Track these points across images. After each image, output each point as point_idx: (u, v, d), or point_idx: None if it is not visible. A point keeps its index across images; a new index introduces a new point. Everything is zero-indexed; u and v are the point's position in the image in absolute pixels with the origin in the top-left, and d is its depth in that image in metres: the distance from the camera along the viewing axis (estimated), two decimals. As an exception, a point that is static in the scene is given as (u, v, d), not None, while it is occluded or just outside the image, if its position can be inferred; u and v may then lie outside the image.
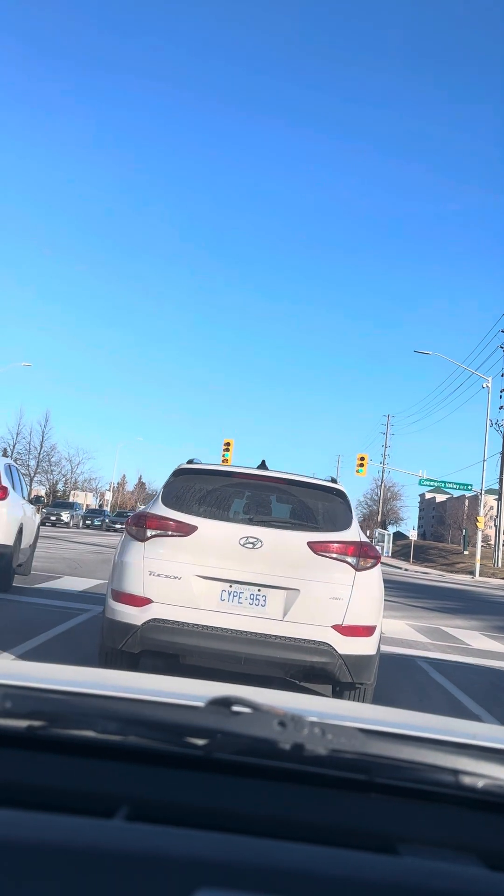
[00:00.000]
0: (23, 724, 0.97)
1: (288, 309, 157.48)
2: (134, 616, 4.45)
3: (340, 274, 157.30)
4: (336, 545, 4.62)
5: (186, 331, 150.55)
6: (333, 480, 5.39)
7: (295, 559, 4.52)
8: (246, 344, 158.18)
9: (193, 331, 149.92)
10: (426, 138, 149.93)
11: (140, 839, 0.81)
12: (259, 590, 4.49)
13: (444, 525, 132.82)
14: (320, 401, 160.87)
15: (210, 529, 4.61)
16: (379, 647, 4.69)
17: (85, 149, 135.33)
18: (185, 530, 4.60)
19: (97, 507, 54.63)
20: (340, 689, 4.78)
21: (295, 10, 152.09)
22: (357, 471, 41.22)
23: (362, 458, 41.15)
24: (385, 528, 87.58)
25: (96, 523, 45.56)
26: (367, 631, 4.50)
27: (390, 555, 71.41)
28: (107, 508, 52.42)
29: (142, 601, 4.45)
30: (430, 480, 40.95)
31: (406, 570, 41.25)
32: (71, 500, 70.69)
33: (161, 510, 4.74)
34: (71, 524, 40.63)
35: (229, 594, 4.49)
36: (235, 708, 0.96)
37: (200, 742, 0.94)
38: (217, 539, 4.58)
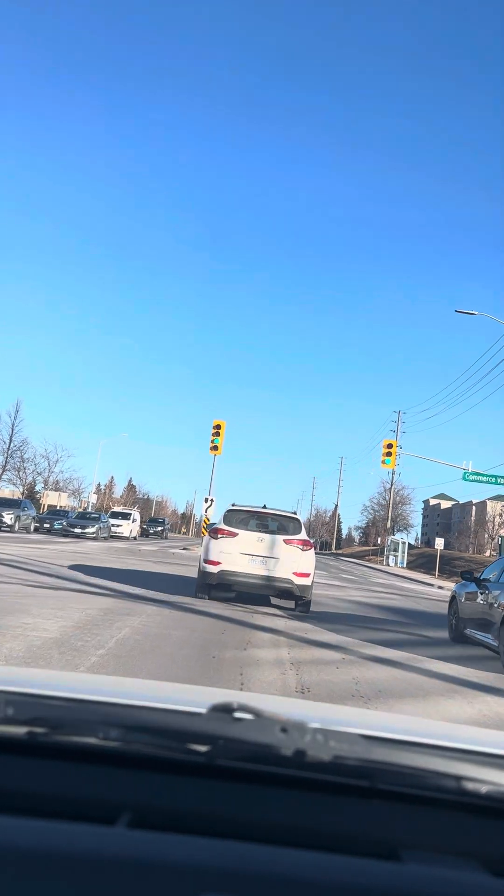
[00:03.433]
0: (25, 730, 0.97)
1: (285, 311, 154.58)
2: (213, 569, 11.27)
3: (339, 278, 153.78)
4: (294, 540, 11.45)
5: (181, 333, 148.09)
6: (294, 512, 12.37)
7: (278, 546, 11.31)
8: (244, 348, 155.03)
9: (189, 332, 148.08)
10: (426, 144, 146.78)
11: (142, 846, 0.82)
12: (264, 559, 11.25)
13: (451, 532, 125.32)
14: (321, 403, 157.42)
15: (244, 534, 11.46)
16: (312, 580, 11.57)
17: (82, 150, 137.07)
18: (234, 535, 11.40)
19: (59, 508, 45.60)
20: (296, 601, 11.59)
21: (296, 18, 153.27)
22: (383, 461, 32.39)
23: (390, 446, 32.24)
24: (398, 536, 78.41)
25: (56, 527, 36.30)
26: (307, 575, 11.28)
27: (405, 565, 62.28)
28: (73, 510, 43.98)
29: (216, 563, 11.24)
30: (478, 474, 32.67)
31: (440, 587, 32.03)
32: (43, 501, 61.76)
33: (223, 526, 11.60)
34: (17, 527, 31.55)
35: (252, 560, 11.24)
36: (237, 714, 0.96)
37: (202, 748, 0.94)
38: (246, 538, 11.40)
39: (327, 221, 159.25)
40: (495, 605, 9.31)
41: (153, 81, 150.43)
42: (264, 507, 12.13)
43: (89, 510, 47.41)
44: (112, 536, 38.84)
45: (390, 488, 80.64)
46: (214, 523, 12.28)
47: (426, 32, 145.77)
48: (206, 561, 11.38)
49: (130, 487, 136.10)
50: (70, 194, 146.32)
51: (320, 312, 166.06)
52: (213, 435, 33.51)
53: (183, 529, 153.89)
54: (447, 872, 0.85)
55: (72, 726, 0.97)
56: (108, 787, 0.96)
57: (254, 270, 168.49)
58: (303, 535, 11.63)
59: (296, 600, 11.60)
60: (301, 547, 11.41)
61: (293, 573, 11.17)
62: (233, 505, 12.19)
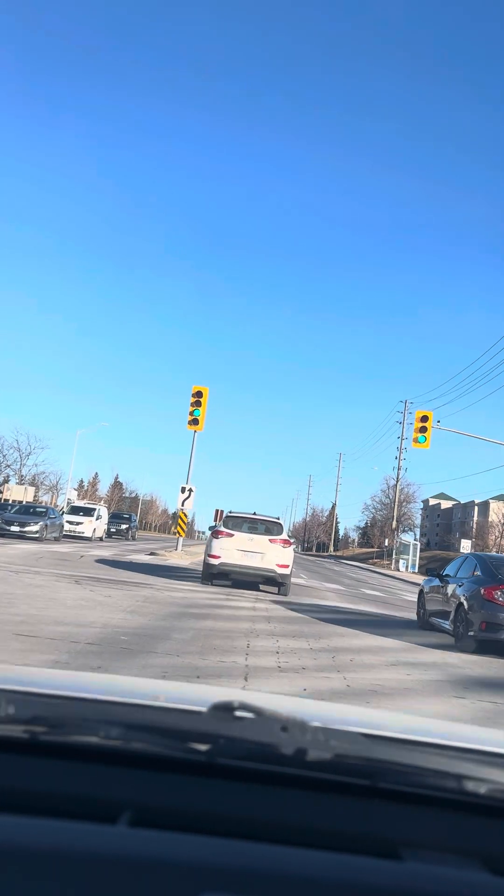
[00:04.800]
0: (26, 729, 0.96)
1: (279, 311, 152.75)
2: (215, 561, 15.18)
3: (334, 276, 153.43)
4: (277, 540, 15.32)
5: (176, 335, 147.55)
6: (278, 518, 16.54)
7: (265, 544, 15.12)
8: (238, 350, 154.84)
9: (184, 334, 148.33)
10: (423, 147, 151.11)
11: (143, 845, 0.81)
12: (254, 553, 15.04)
13: (451, 533, 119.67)
14: (319, 400, 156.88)
15: (238, 534, 15.22)
16: (291, 570, 15.67)
17: (77, 155, 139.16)
18: (231, 535, 15.18)
19: (11, 503, 36.68)
20: (279, 587, 15.36)
21: (295, 23, 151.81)
22: (416, 439, 24.60)
23: (424, 419, 24.33)
24: (407, 536, 70.65)
25: (-7, 525, 28.04)
26: (286, 566, 15.23)
27: (416, 570, 54.41)
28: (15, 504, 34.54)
29: (217, 557, 15.10)
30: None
31: None
32: (6, 495, 53.43)
33: (223, 528, 15.43)
34: None
35: (245, 554, 15.01)
36: (238, 713, 0.95)
37: (203, 747, 0.93)
38: (241, 537, 15.17)
39: (320, 222, 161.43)
40: (451, 597, 11.07)
41: (149, 88, 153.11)
42: (255, 513, 16.32)
43: (32, 503, 38.42)
44: (69, 536, 30.78)
45: (395, 485, 72.85)
46: (215, 525, 16.89)
47: (424, 38, 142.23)
48: (209, 555, 15.37)
49: (116, 485, 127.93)
50: (62, 197, 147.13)
51: (314, 312, 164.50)
52: (192, 405, 25.77)
53: (173, 529, 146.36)
54: (448, 871, 0.85)
55: (73, 725, 0.96)
56: (109, 785, 0.96)
57: (245, 273, 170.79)
58: (284, 536, 15.77)
59: (278, 586, 15.47)
60: (282, 545, 15.37)
61: (276, 565, 15.09)
62: (230, 512, 16.54)
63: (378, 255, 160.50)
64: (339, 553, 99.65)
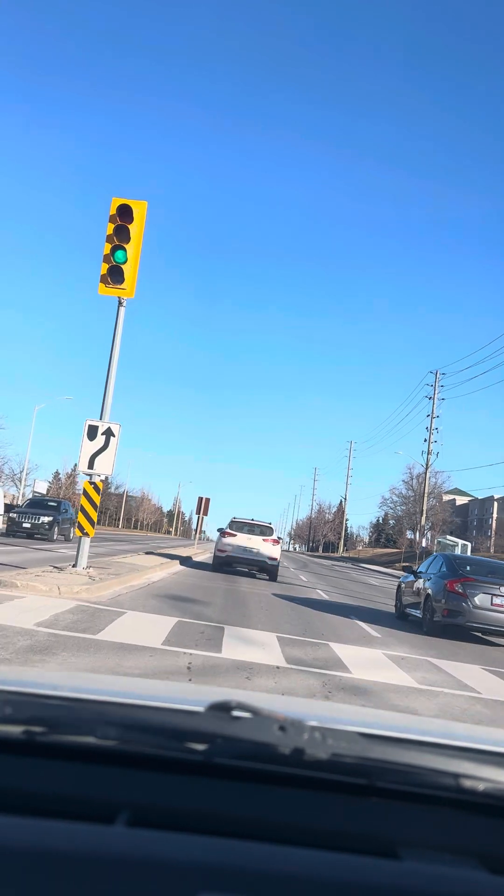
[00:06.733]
0: (23, 729, 0.96)
1: (283, 309, 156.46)
2: (222, 553, 21.08)
3: (333, 272, 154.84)
4: (270, 539, 21.20)
5: (177, 335, 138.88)
6: (270, 523, 22.40)
7: (259, 542, 21.02)
8: (237, 350, 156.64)
9: (183, 335, 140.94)
10: (420, 147, 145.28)
11: (140, 845, 0.81)
12: (253, 548, 20.90)
13: (468, 531, 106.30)
14: (322, 391, 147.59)
15: (240, 534, 21.15)
16: (279, 560, 21.56)
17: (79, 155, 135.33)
18: (235, 535, 21.09)
19: None
20: (269, 575, 20.98)
21: (294, 23, 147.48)
22: None
23: None
24: (453, 537, 57.46)
25: None
26: (276, 558, 21.11)
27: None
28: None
29: (225, 551, 20.98)
30: None
31: None
32: None
33: (228, 530, 21.38)
34: None
35: (245, 549, 20.87)
36: (235, 713, 0.95)
37: (200, 747, 0.93)
38: (242, 537, 21.09)
39: (317, 221, 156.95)
40: (421, 590, 12.97)
41: (152, 89, 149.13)
42: (252, 519, 21.75)
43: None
44: None
45: (424, 472, 58.93)
46: (223, 528, 21.53)
47: (422, 42, 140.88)
48: (219, 550, 20.83)
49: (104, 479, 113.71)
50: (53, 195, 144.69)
51: (315, 309, 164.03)
52: (110, 241, 11.82)
53: (167, 528, 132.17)
54: (445, 870, 0.85)
55: (70, 725, 0.96)
56: (106, 786, 0.96)
57: (244, 271, 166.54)
58: (274, 536, 20.98)
59: (268, 574, 20.64)
60: (272, 543, 20.62)
61: (268, 557, 20.38)
62: (234, 518, 21.71)
63: (378, 252, 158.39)
64: (350, 554, 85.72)
